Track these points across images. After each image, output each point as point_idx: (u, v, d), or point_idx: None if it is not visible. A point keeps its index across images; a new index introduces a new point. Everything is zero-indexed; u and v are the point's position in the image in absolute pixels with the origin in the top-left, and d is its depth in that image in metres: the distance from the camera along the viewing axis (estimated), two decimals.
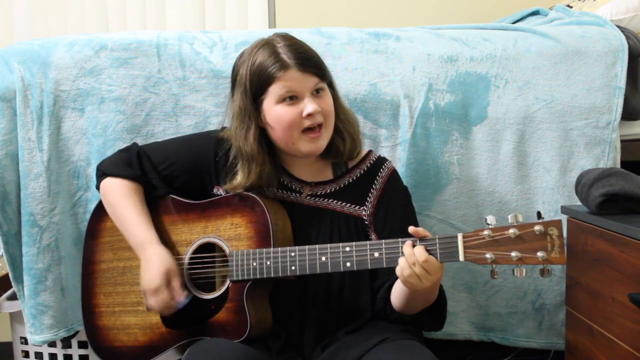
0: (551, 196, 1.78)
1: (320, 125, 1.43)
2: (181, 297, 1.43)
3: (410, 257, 1.26)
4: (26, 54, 1.75)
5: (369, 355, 1.33)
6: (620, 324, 1.40)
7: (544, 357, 1.88)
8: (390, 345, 1.34)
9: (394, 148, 1.76)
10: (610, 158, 1.77)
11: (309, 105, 1.39)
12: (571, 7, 2.25)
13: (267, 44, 1.43)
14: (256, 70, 1.41)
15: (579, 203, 1.63)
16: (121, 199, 1.50)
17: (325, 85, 1.45)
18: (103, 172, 1.55)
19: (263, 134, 1.46)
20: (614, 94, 1.78)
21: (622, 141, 1.83)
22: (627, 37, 1.83)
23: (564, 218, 1.69)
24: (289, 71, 1.39)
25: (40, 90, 1.72)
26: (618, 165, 1.79)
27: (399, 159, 1.75)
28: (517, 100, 1.77)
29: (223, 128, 1.56)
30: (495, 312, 1.81)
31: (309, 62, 1.40)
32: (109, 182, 1.53)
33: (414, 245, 1.27)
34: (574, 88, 1.78)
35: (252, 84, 1.42)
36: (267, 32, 1.50)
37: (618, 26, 1.90)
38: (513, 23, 2.27)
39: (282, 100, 1.40)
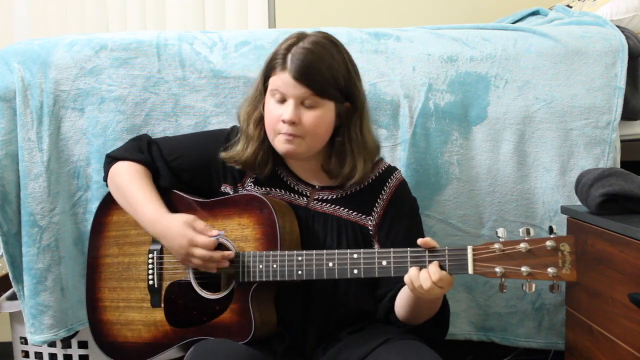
0: (551, 196, 1.78)
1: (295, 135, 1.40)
2: (214, 232, 1.40)
3: (425, 281, 1.24)
4: (26, 54, 1.75)
5: (372, 355, 1.33)
6: (620, 324, 1.40)
7: (544, 357, 1.88)
8: (394, 346, 1.33)
9: (394, 148, 1.76)
10: (610, 158, 1.77)
11: (286, 112, 1.38)
12: (571, 7, 2.25)
13: (295, 38, 1.41)
14: (271, 58, 1.43)
15: (579, 203, 1.63)
16: (131, 180, 1.49)
17: (320, 102, 1.39)
18: (113, 157, 1.56)
19: None
20: (614, 94, 1.78)
21: (622, 141, 1.83)
22: (627, 37, 1.83)
23: (563, 218, 1.69)
24: (284, 73, 1.38)
25: (40, 90, 1.72)
26: (618, 165, 1.79)
27: (399, 159, 1.75)
28: (517, 100, 1.77)
29: (234, 127, 1.56)
30: (495, 312, 1.81)
31: (305, 73, 1.36)
32: (119, 166, 1.53)
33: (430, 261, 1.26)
34: (574, 88, 1.78)
35: (266, 68, 1.44)
36: (267, 32, 1.51)
37: (618, 26, 1.90)
38: (513, 23, 2.27)
39: (272, 94, 1.41)
